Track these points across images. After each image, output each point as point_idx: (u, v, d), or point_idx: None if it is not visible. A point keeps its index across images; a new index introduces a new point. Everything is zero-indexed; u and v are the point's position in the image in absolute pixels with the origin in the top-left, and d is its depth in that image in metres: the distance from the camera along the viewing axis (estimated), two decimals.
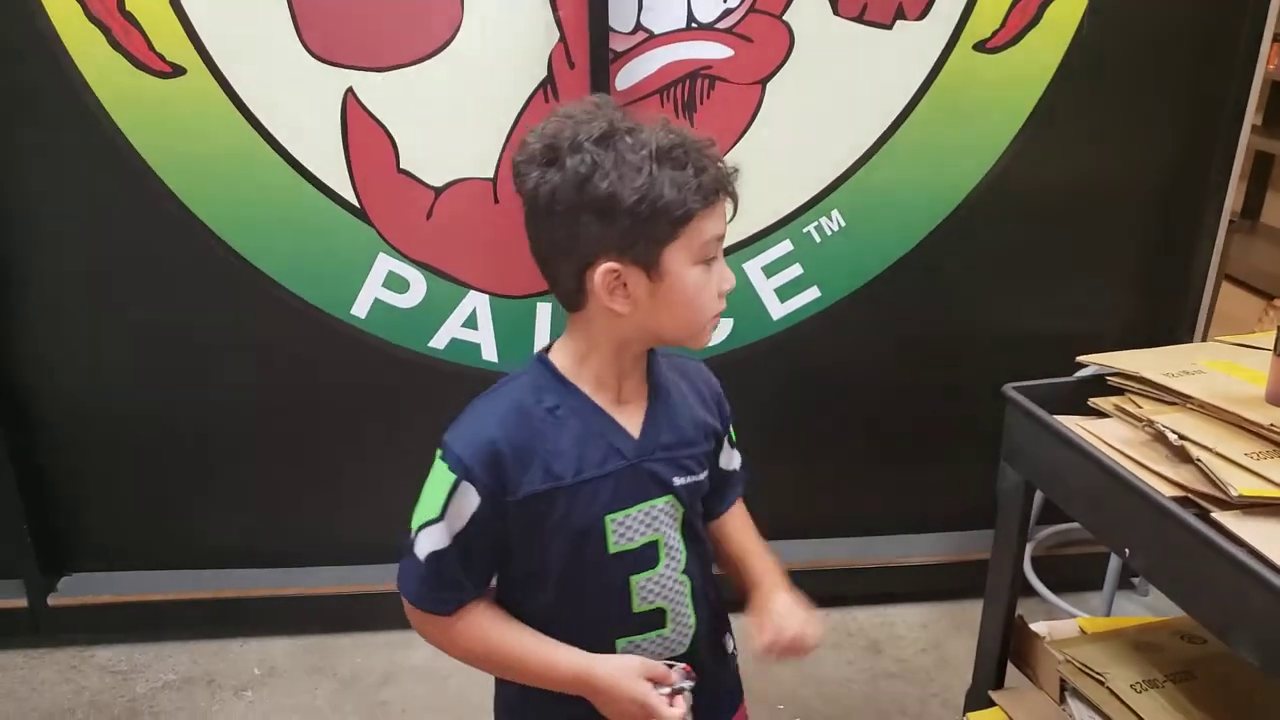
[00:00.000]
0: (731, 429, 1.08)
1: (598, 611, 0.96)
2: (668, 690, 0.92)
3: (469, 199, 1.88)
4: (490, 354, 2.00)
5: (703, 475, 1.00)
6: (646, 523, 0.95)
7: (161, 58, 1.75)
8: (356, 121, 1.82)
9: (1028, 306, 2.07)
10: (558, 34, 1.79)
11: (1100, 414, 1.23)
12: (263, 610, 2.08)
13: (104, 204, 1.84)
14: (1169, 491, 1.03)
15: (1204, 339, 2.11)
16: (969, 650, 1.46)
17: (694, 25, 1.81)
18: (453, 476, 0.90)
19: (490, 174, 1.87)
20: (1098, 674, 1.21)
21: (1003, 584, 1.35)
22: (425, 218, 1.89)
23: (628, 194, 0.84)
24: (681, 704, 0.92)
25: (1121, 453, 1.12)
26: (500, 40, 1.79)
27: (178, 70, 1.76)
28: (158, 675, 2.00)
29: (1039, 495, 1.54)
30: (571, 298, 0.92)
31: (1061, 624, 1.39)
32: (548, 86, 1.82)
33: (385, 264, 1.92)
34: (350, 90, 1.80)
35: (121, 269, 1.89)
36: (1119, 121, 1.95)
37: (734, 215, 0.91)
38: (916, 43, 1.85)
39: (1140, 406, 1.19)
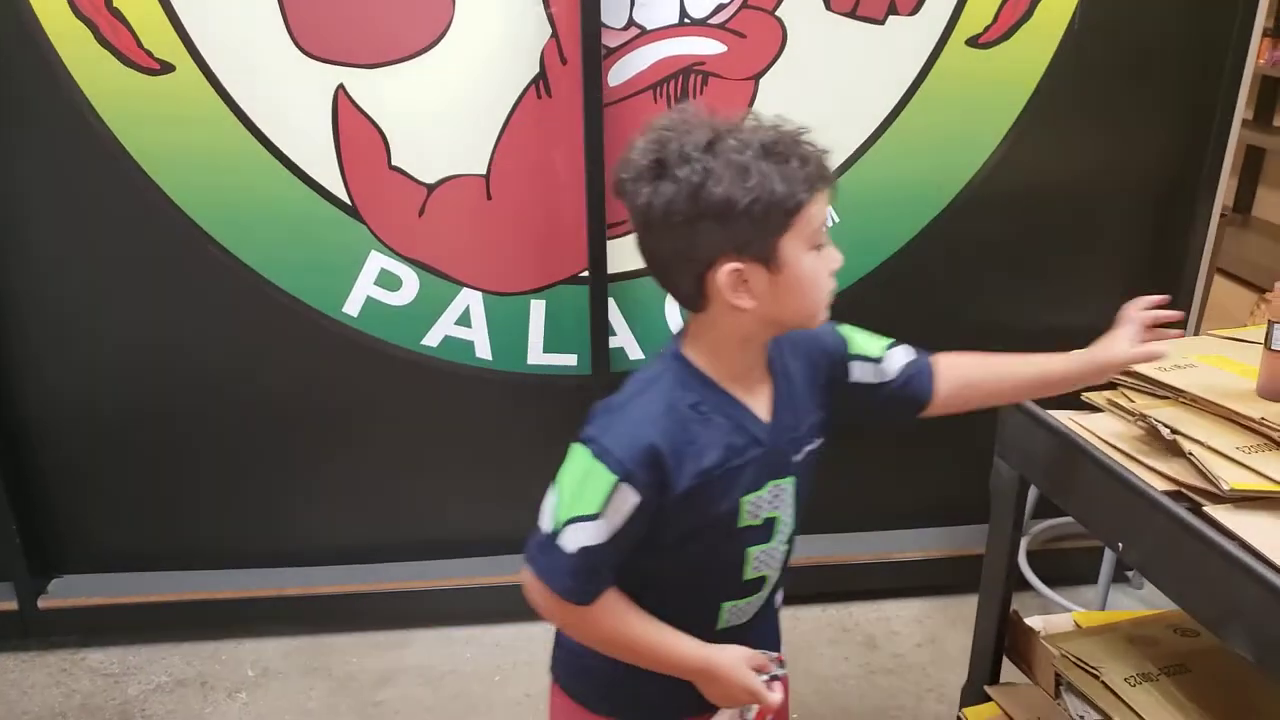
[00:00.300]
0: (859, 339, 1.08)
1: (714, 580, 1.02)
2: (766, 677, 0.99)
3: (461, 196, 1.88)
4: (484, 352, 2.00)
5: (815, 446, 1.04)
6: (771, 500, 1.00)
7: (150, 55, 1.74)
8: (347, 118, 1.81)
9: (1022, 301, 2.07)
10: (549, 30, 1.78)
11: (1093, 408, 1.24)
12: (257, 611, 2.07)
13: (92, 202, 1.83)
14: (1161, 485, 1.03)
15: (1196, 332, 2.11)
16: (965, 645, 1.46)
17: (686, 20, 1.80)
18: (613, 478, 0.91)
19: (483, 170, 1.86)
20: (1092, 668, 1.21)
21: (997, 579, 1.36)
22: (417, 215, 1.89)
23: (741, 195, 0.86)
24: (779, 689, 1.00)
25: (1114, 447, 1.12)
26: (492, 36, 1.78)
27: (166, 67, 1.75)
28: (150, 677, 1.99)
29: (1034, 489, 1.54)
30: (693, 300, 0.95)
31: (1056, 618, 1.39)
32: (540, 83, 1.81)
33: (377, 261, 1.91)
34: (341, 87, 1.79)
35: (111, 268, 1.88)
36: (1111, 116, 1.95)
37: (834, 199, 0.95)
38: (909, 38, 1.85)
39: (1133, 400, 1.19)
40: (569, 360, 2.02)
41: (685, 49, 1.82)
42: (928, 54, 1.86)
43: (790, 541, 1.06)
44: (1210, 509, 0.98)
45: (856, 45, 1.84)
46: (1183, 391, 1.16)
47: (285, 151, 1.82)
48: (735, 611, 1.04)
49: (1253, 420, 1.06)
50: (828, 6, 1.81)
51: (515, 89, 1.82)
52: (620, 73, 1.82)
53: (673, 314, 2.00)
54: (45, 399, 1.96)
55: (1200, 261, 2.04)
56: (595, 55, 1.74)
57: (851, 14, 1.82)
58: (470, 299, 1.96)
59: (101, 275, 1.89)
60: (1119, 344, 1.06)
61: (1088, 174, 2.00)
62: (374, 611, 2.11)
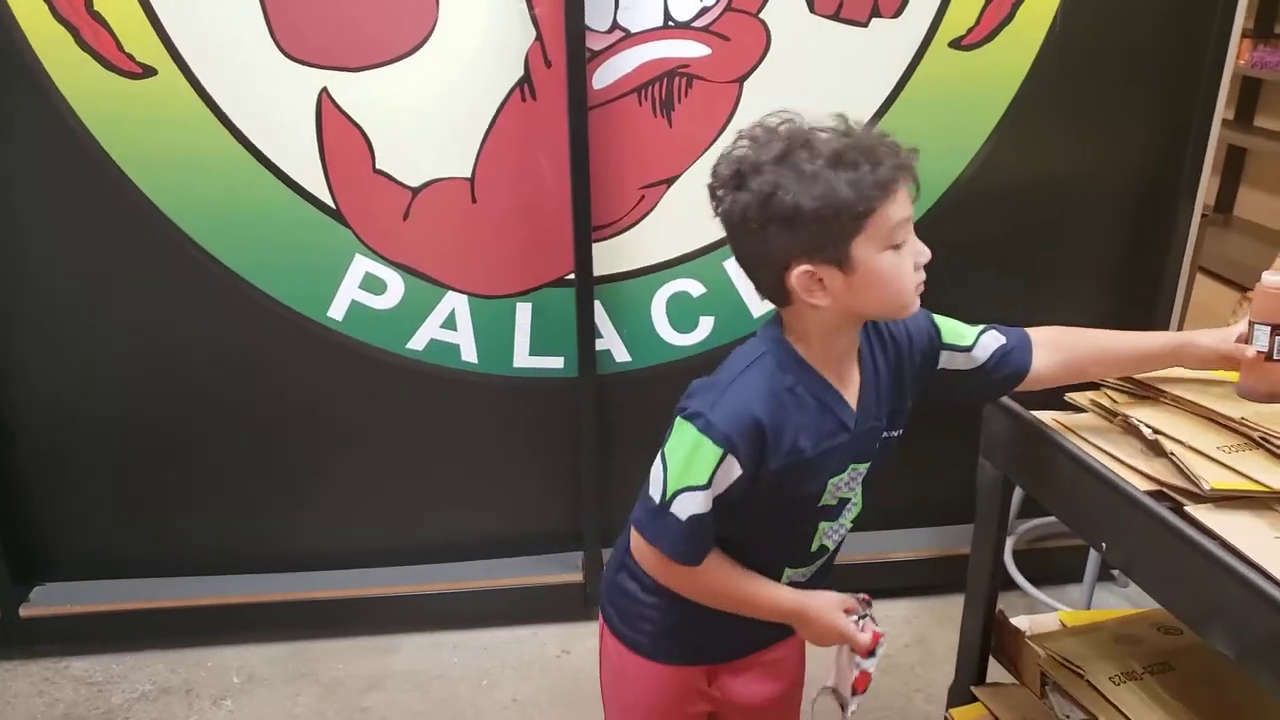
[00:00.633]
0: (951, 327, 1.14)
1: (784, 547, 1.10)
2: (855, 618, 1.08)
3: (446, 199, 1.87)
4: (470, 355, 1.99)
5: (896, 434, 1.11)
6: (849, 483, 1.08)
7: (131, 58, 1.73)
8: (331, 122, 1.81)
9: (1006, 301, 2.06)
10: (534, 33, 1.78)
11: (1076, 409, 1.24)
12: (242, 617, 2.05)
13: (74, 207, 1.82)
14: (1143, 485, 1.04)
15: (1179, 331, 2.13)
16: (953, 645, 1.46)
17: (671, 24, 1.80)
18: (719, 450, 0.99)
19: (468, 173, 1.86)
20: (1077, 667, 1.22)
21: (983, 579, 1.36)
22: (402, 218, 1.88)
23: (808, 203, 0.93)
24: (869, 627, 1.08)
25: (1097, 447, 1.13)
26: (476, 39, 1.78)
27: (148, 71, 1.74)
28: (134, 686, 1.98)
29: (1019, 489, 1.55)
30: (777, 296, 1.02)
31: (1042, 618, 1.40)
32: (524, 85, 1.81)
33: (362, 265, 1.91)
34: (325, 90, 1.78)
35: (92, 273, 1.87)
36: (1093, 117, 1.96)
37: (917, 195, 0.98)
38: (892, 40, 1.86)
39: (1115, 401, 1.20)
40: (555, 363, 2.02)
41: (670, 52, 1.82)
42: (911, 56, 1.87)
43: (855, 522, 1.14)
44: (1191, 508, 0.99)
45: (840, 47, 1.85)
46: (1164, 391, 1.17)
47: (269, 155, 1.81)
48: (795, 575, 1.12)
49: (1233, 420, 1.07)
50: (811, 9, 1.82)
51: (500, 92, 1.81)
52: (605, 75, 1.82)
53: (659, 316, 2.00)
54: (26, 404, 1.94)
55: (1182, 260, 2.05)
56: (580, 58, 1.74)
57: (835, 16, 1.83)
58: (456, 302, 1.95)
59: (83, 280, 1.87)
60: (1215, 333, 1.14)
61: (1070, 174, 2.02)
62: (361, 616, 2.10)
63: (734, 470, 0.99)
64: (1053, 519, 2.18)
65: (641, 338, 2.01)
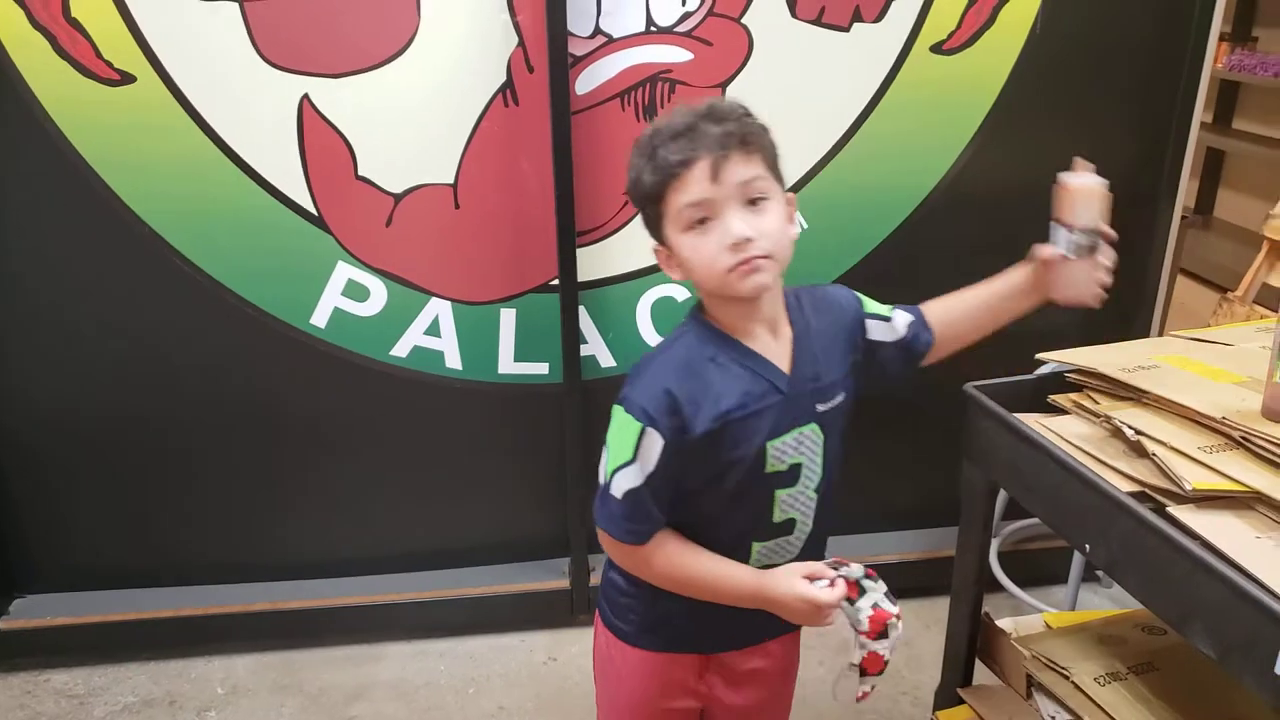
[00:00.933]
0: (869, 300, 1.19)
1: (745, 521, 1.10)
2: (825, 582, 1.05)
3: (429, 205, 1.87)
4: (454, 361, 1.99)
5: (842, 398, 1.12)
6: (795, 447, 1.08)
7: (110, 65, 1.72)
8: (313, 128, 1.80)
9: None
10: (516, 38, 1.78)
11: (1060, 411, 1.25)
12: (225, 627, 2.03)
13: (52, 214, 1.80)
14: (1126, 487, 1.04)
15: (1160, 333, 2.14)
16: (938, 647, 1.46)
17: (653, 29, 1.81)
18: (639, 425, 1.02)
19: (450, 179, 1.85)
20: (1062, 668, 1.22)
21: (968, 582, 1.36)
22: (385, 225, 1.87)
23: (629, 188, 1.02)
24: (841, 585, 1.05)
25: (1080, 449, 1.13)
26: (458, 45, 1.77)
27: (127, 78, 1.72)
28: (116, 698, 1.96)
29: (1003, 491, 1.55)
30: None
31: (1027, 619, 1.40)
32: (507, 91, 1.81)
33: (345, 272, 1.90)
34: (306, 97, 1.78)
35: (72, 281, 1.85)
36: (1073, 120, 1.98)
37: (742, 162, 0.99)
38: (874, 45, 1.87)
39: (1098, 402, 1.20)
40: (540, 369, 2.01)
41: (652, 57, 1.82)
42: (893, 60, 1.88)
43: (821, 491, 1.12)
44: (1173, 509, 0.99)
45: (822, 52, 1.85)
46: (1146, 392, 1.17)
47: (250, 162, 1.80)
48: (766, 551, 1.11)
49: (1214, 420, 1.08)
50: (793, 14, 1.82)
51: (483, 98, 1.81)
52: (588, 81, 1.82)
53: (644, 321, 2.00)
54: (3, 414, 1.92)
55: (1163, 262, 2.07)
56: (562, 64, 1.73)
57: (817, 21, 1.83)
58: (439, 309, 1.94)
59: (62, 289, 1.86)
60: (1041, 249, 1.20)
61: (1052, 178, 2.01)
62: (345, 625, 2.08)
63: (656, 442, 1.01)
64: (1037, 520, 2.18)
65: (626, 343, 2.00)
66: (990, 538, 1.41)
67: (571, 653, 2.06)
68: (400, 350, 1.96)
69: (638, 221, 1.07)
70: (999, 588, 2.11)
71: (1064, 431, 1.17)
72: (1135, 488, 1.04)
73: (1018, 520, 2.23)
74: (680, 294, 1.97)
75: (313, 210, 1.85)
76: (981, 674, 1.41)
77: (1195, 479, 0.99)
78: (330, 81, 1.77)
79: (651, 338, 2.01)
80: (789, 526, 1.11)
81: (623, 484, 1.04)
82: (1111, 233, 1.15)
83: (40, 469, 1.97)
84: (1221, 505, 0.99)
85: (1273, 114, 4.14)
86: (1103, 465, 1.09)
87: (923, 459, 2.08)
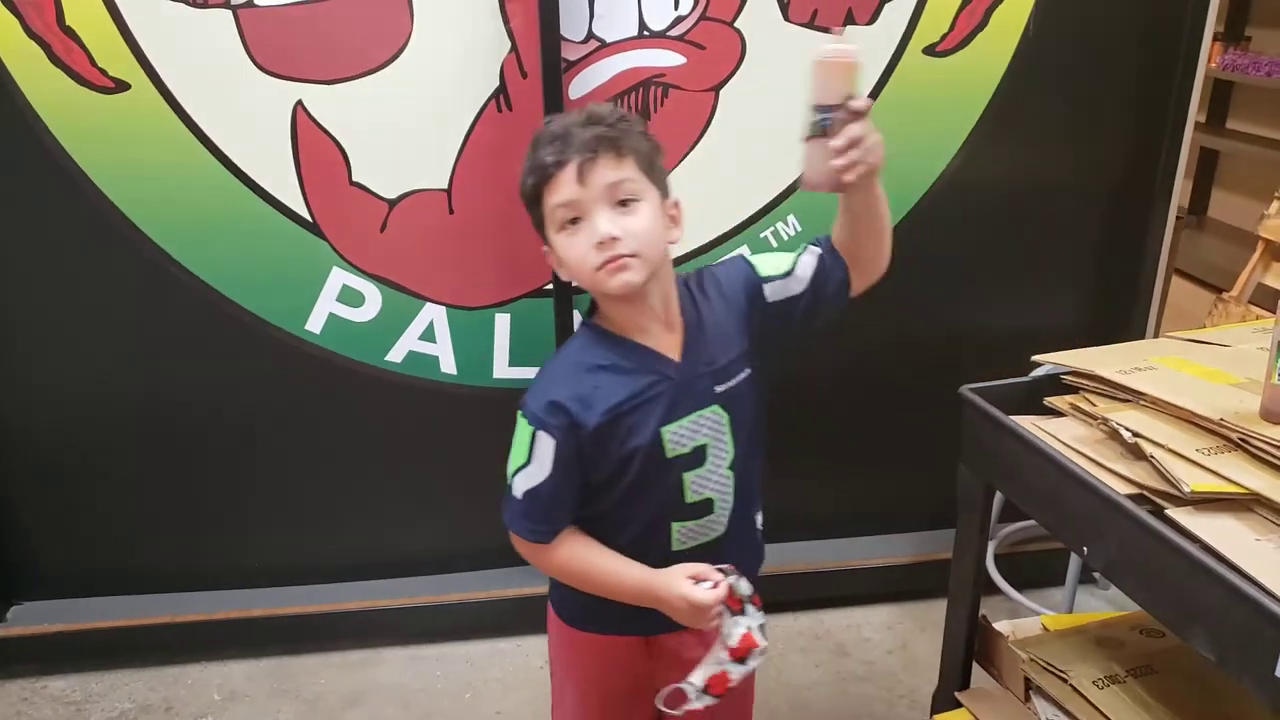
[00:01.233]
0: (767, 262, 1.17)
1: (658, 505, 1.13)
2: (709, 584, 1.05)
3: (423, 210, 1.86)
4: (449, 366, 1.98)
5: (747, 374, 1.14)
6: (695, 430, 1.10)
7: (104, 73, 1.71)
8: (307, 135, 1.79)
9: (984, 306, 2.09)
10: (509, 44, 1.77)
11: (1056, 413, 1.25)
12: (222, 633, 2.03)
13: (47, 221, 1.80)
14: (1124, 489, 1.04)
15: (1156, 333, 2.15)
16: (936, 650, 1.46)
17: (646, 33, 1.80)
18: (531, 428, 1.08)
19: (444, 185, 1.85)
20: (1061, 671, 1.22)
21: (965, 584, 1.36)
22: (379, 230, 1.87)
23: (519, 190, 1.07)
24: (723, 588, 1.05)
25: (1077, 451, 1.13)
26: (451, 51, 1.77)
27: (121, 86, 1.72)
28: (113, 705, 1.95)
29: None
30: None
31: (1024, 622, 1.40)
32: (500, 96, 1.81)
33: (339, 278, 1.89)
34: (300, 103, 1.77)
35: (66, 287, 1.85)
36: (1067, 121, 1.98)
37: (612, 164, 1.02)
38: (867, 47, 1.86)
39: (1095, 405, 1.20)
40: (535, 374, 2.00)
41: (645, 61, 1.82)
42: (885, 63, 1.88)
43: (737, 468, 1.14)
44: (1172, 511, 0.99)
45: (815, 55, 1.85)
46: (1143, 394, 1.17)
47: (244, 169, 1.80)
48: (686, 532, 1.14)
49: (1212, 422, 1.07)
50: (785, 17, 1.82)
51: (476, 103, 1.81)
52: (581, 85, 1.81)
53: None
54: (0, 422, 1.91)
55: (1158, 263, 2.07)
56: (555, 68, 1.73)
57: (809, 24, 1.83)
58: (434, 314, 1.94)
59: (56, 295, 1.85)
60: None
61: (1045, 178, 2.03)
62: (342, 631, 2.08)
63: (546, 442, 1.06)
64: (1034, 522, 2.18)
65: None
66: (987, 540, 1.41)
67: None
68: (395, 355, 1.96)
69: None
70: (996, 590, 2.11)
71: (1061, 434, 1.17)
72: (1133, 490, 1.04)
73: (1014, 522, 2.23)
74: None
75: (307, 216, 1.84)
76: (979, 677, 1.41)
77: (1194, 481, 0.99)
78: (324, 88, 1.77)
79: None
80: (707, 506, 1.14)
81: (522, 484, 1.09)
82: (857, 105, 1.06)
83: (37, 476, 1.96)
84: (1220, 507, 0.99)
85: (1266, 114, 4.15)
86: (1100, 467, 1.09)
87: (919, 462, 2.08)
